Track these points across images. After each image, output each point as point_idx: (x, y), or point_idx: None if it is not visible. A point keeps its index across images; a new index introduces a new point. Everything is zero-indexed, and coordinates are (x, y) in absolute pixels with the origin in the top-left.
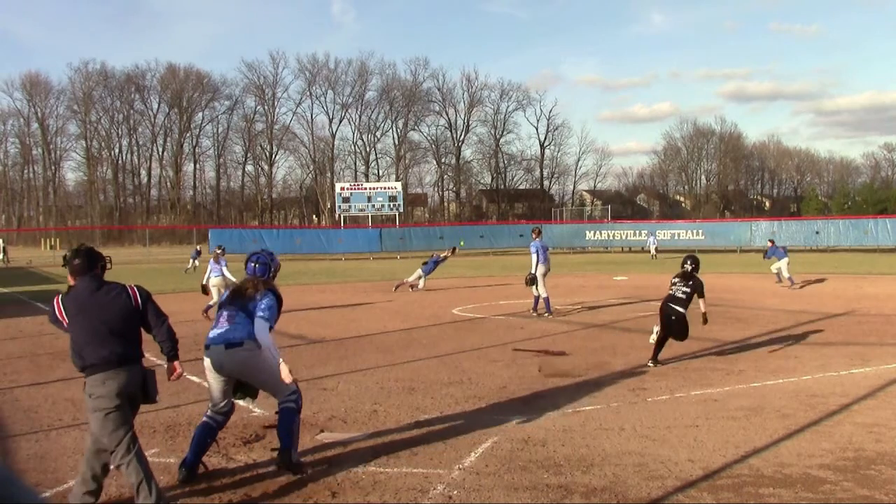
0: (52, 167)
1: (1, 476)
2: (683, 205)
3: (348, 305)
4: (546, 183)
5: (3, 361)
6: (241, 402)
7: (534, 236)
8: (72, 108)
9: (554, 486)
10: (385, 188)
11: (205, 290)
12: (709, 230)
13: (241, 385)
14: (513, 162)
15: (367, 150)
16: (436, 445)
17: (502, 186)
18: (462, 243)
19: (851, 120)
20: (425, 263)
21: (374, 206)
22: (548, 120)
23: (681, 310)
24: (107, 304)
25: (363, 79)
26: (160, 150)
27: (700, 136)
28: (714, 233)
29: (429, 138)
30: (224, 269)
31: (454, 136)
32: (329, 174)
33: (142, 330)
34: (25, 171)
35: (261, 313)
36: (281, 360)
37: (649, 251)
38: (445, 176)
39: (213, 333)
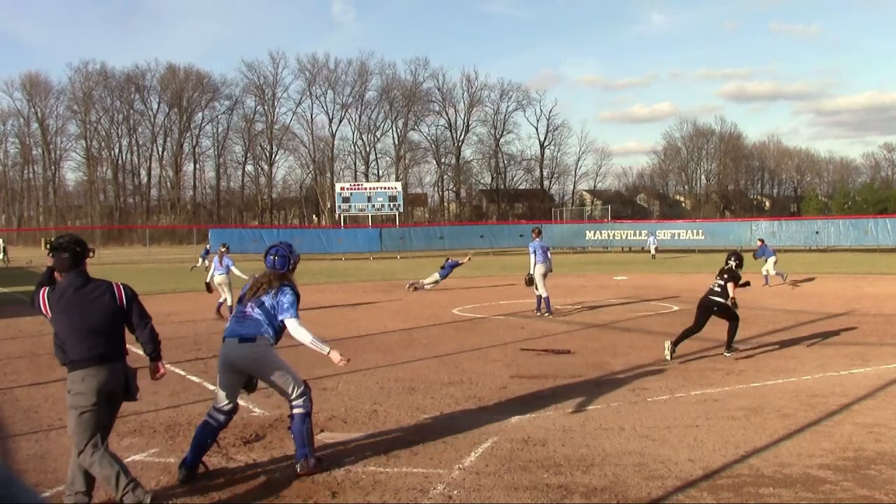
0: (52, 167)
1: (1, 476)
2: (683, 205)
3: (348, 305)
4: (546, 183)
5: (3, 361)
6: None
7: (534, 236)
8: (72, 108)
9: (554, 486)
10: (385, 188)
11: (209, 287)
12: (709, 230)
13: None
14: (513, 162)
15: (367, 150)
16: (436, 445)
17: (502, 186)
18: (469, 259)
19: (851, 120)
20: (443, 267)
21: (373, 206)
22: (548, 120)
23: (720, 300)
24: (91, 302)
25: (363, 79)
26: (160, 150)
27: (700, 136)
28: (714, 233)
29: (429, 138)
30: (232, 266)
31: (454, 136)
32: (329, 174)
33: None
34: (25, 171)
35: (288, 314)
36: (328, 347)
37: (649, 251)
38: (445, 176)
39: (228, 327)
